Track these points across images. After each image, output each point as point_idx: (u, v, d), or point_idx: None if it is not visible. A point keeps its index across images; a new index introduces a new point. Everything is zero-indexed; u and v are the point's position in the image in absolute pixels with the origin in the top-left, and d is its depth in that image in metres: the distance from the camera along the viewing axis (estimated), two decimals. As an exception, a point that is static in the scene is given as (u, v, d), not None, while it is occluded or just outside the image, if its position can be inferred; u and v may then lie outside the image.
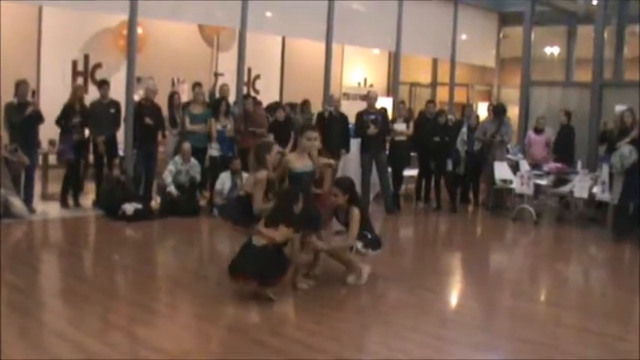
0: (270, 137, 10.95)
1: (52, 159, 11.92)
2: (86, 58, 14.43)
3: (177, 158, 10.94)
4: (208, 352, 5.38)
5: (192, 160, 10.98)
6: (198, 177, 11.02)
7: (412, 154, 12.79)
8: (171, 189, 10.72)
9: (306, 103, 14.23)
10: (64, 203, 10.78)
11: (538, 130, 12.97)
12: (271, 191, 7.15)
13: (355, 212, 7.18)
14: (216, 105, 11.56)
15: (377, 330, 6.08)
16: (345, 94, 17.05)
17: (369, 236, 7.28)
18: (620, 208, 10.27)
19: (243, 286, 6.51)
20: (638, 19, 15.05)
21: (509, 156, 13.00)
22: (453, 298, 7.50)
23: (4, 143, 9.96)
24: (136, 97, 11.36)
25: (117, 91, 11.19)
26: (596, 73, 14.73)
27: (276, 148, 7.57)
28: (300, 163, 7.12)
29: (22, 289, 6.68)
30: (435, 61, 18.10)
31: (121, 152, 11.23)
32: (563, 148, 12.80)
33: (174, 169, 10.83)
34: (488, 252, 10.18)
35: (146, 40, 13.79)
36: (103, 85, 11.15)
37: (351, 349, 5.60)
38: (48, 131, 11.14)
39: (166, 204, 10.71)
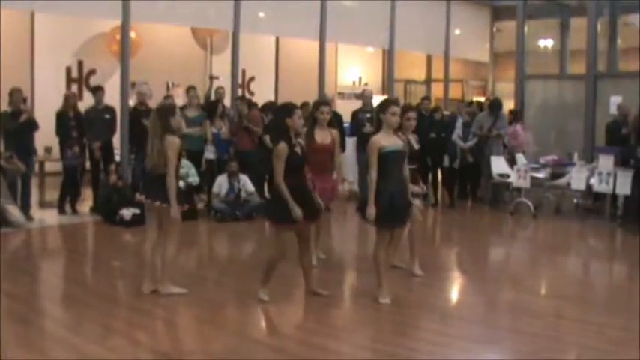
0: (267, 138, 10.87)
1: (49, 166, 11.92)
2: (80, 64, 14.46)
3: None
4: (209, 353, 5.35)
5: (186, 162, 10.87)
6: (196, 180, 10.97)
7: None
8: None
9: (305, 106, 14.13)
10: (61, 210, 10.77)
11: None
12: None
13: None
14: (211, 108, 11.54)
15: (378, 327, 6.07)
16: (339, 93, 17.06)
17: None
18: None
19: None
20: (630, 9, 15.04)
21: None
22: (454, 294, 7.51)
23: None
24: (131, 102, 11.35)
25: (112, 97, 11.18)
26: (590, 64, 14.74)
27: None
28: (388, 141, 6.50)
29: (21, 297, 6.68)
30: (429, 58, 18.10)
31: (117, 158, 11.20)
32: None
33: None
34: (487, 246, 10.18)
35: (140, 44, 13.79)
36: (97, 90, 11.12)
37: (352, 346, 5.58)
38: (43, 139, 11.14)
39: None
